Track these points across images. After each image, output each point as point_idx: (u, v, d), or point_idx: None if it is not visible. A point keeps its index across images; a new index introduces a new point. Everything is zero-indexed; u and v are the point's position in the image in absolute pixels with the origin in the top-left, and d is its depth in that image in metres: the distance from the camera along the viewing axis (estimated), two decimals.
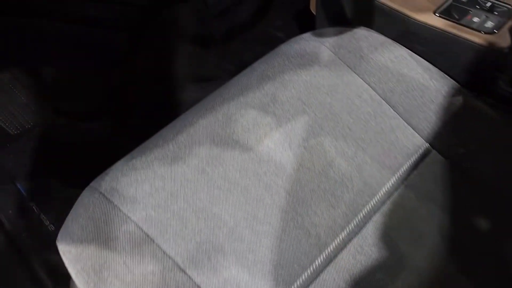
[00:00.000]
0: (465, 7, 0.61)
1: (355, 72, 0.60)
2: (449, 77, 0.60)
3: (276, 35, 1.07)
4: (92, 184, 0.50)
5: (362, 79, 0.60)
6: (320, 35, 0.63)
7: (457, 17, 0.61)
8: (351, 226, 0.51)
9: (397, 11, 0.62)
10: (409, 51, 0.62)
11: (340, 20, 0.71)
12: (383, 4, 0.63)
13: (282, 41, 1.07)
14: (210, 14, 1.07)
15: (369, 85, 0.60)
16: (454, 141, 0.57)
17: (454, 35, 0.59)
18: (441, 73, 0.60)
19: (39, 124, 0.95)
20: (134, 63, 1.03)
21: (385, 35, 0.64)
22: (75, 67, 1.02)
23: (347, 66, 0.60)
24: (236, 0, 1.09)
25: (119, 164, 0.52)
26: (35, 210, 0.82)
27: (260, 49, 1.05)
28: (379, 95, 0.59)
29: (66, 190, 0.87)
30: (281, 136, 0.54)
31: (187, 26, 1.07)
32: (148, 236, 0.45)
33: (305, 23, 0.81)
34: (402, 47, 0.62)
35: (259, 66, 0.60)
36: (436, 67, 0.61)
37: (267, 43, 1.07)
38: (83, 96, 1.00)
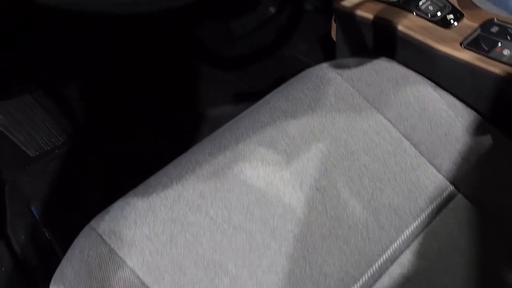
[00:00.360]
0: (495, 38, 0.56)
1: (374, 107, 0.56)
2: (477, 114, 0.55)
3: (301, 59, 1.04)
4: (92, 223, 0.49)
5: (382, 115, 0.56)
6: (338, 66, 0.60)
7: (486, 48, 0.56)
8: (365, 278, 0.47)
9: (421, 42, 0.58)
10: (434, 84, 0.57)
11: (361, 49, 0.67)
12: (406, 34, 0.59)
13: (306, 66, 1.04)
14: (232, 36, 1.05)
15: (389, 121, 0.56)
16: (482, 184, 0.53)
17: (483, 68, 0.54)
18: (469, 109, 0.56)
19: (58, 146, 0.95)
20: (156, 84, 1.02)
21: (408, 67, 0.60)
22: (95, 88, 1.03)
23: (366, 100, 0.57)
24: (261, 23, 1.08)
25: (120, 203, 0.50)
26: (47, 236, 0.81)
27: (283, 74, 1.03)
28: (399, 132, 0.55)
29: (81, 217, 0.86)
30: (291, 176, 0.51)
31: (209, 48, 1.06)
32: (143, 284, 0.42)
33: (331, 48, 0.79)
34: (426, 80, 0.58)
35: (272, 99, 0.57)
36: (463, 102, 0.56)
37: (291, 68, 1.05)
38: (104, 119, 1.00)
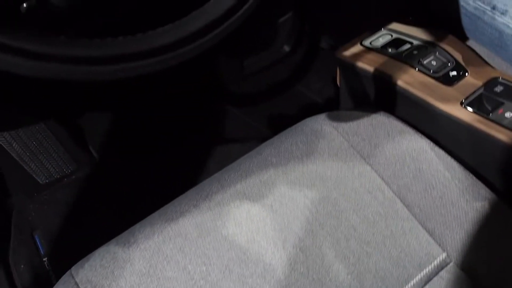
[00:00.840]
0: (498, 99, 0.54)
1: (368, 163, 0.55)
2: (475, 178, 0.53)
3: (312, 98, 1.04)
4: (72, 269, 0.49)
5: (376, 172, 0.54)
6: (335, 118, 0.59)
7: (489, 108, 0.54)
8: None
9: (421, 98, 0.56)
10: (431, 143, 0.56)
11: (362, 98, 0.66)
12: (405, 89, 0.58)
13: (317, 105, 1.03)
14: (245, 73, 1.06)
15: (382, 179, 0.54)
16: (477, 254, 0.50)
17: (483, 131, 0.52)
18: (466, 172, 0.53)
19: (68, 175, 0.97)
20: (165, 117, 1.04)
21: (408, 121, 0.59)
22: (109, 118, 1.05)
23: (360, 155, 0.55)
24: (274, 60, 1.08)
25: (102, 250, 0.50)
26: (46, 267, 0.82)
27: (294, 112, 1.03)
28: (392, 191, 0.53)
29: (81, 249, 0.87)
30: (275, 234, 0.50)
31: (220, 83, 1.07)
32: None
33: None
34: (424, 137, 0.56)
35: (264, 150, 0.57)
36: (461, 163, 0.54)
37: (302, 107, 1.04)
38: (113, 151, 1.01)
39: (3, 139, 0.91)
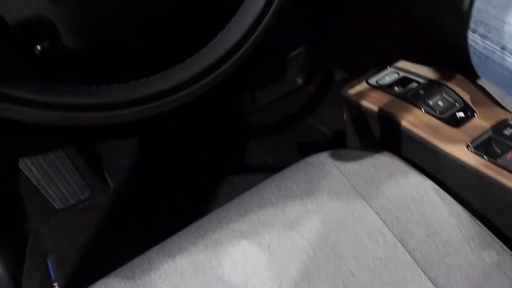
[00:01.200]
0: (508, 142, 0.52)
1: (369, 206, 0.54)
2: (481, 225, 0.51)
3: (323, 131, 1.03)
4: None
5: (377, 215, 0.53)
6: (337, 157, 0.58)
7: (498, 152, 0.52)
8: None
9: (426, 140, 0.55)
10: (436, 186, 0.54)
11: (368, 136, 0.65)
12: (410, 130, 0.57)
13: (327, 138, 1.03)
14: (257, 105, 1.06)
15: (384, 222, 0.53)
16: None
17: (490, 177, 0.50)
18: (472, 219, 0.51)
19: (83, 201, 0.99)
20: (177, 147, 1.05)
21: (412, 162, 0.57)
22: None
23: (362, 197, 0.54)
24: (286, 92, 1.08)
25: (100, 284, 0.51)
26: None
27: (304, 145, 1.02)
28: (394, 236, 0.52)
29: (91, 275, 0.88)
30: (271, 276, 0.49)
31: (231, 114, 1.08)
32: None
33: None
34: (428, 180, 0.55)
35: (265, 188, 0.57)
36: (467, 209, 0.52)
37: (312, 140, 1.04)
38: (128, 179, 1.03)
39: (24, 164, 0.94)
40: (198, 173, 1.00)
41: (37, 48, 0.42)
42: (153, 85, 0.36)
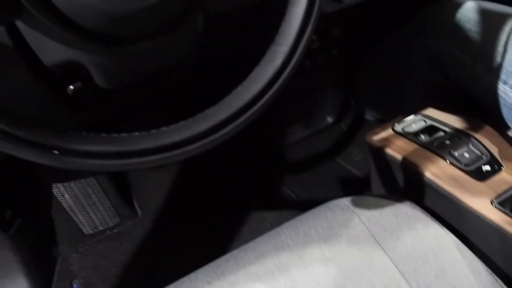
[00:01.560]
0: None
1: (387, 256, 0.53)
2: (502, 285, 0.49)
3: (351, 171, 1.03)
4: None
5: (395, 266, 0.52)
6: (358, 204, 0.58)
7: None
8: None
9: (449, 193, 0.54)
10: (457, 240, 0.53)
11: (391, 183, 0.65)
12: (433, 182, 0.56)
13: (355, 179, 1.02)
14: (287, 143, 1.07)
15: (402, 274, 0.52)
16: None
17: None
18: (493, 277, 0.50)
19: (111, 228, 1.02)
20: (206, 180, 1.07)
21: (435, 213, 0.56)
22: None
23: (380, 246, 0.54)
24: (316, 130, 1.09)
25: None
26: None
27: (330, 185, 1.02)
28: None
29: None
30: None
31: (260, 151, 1.09)
32: None
33: None
34: (449, 233, 0.53)
35: (283, 232, 0.57)
36: (488, 266, 0.51)
37: (340, 180, 1.04)
38: (157, 207, 1.06)
39: (57, 190, 0.99)
40: (226, 209, 1.01)
41: (70, 88, 0.45)
42: (171, 135, 0.37)
